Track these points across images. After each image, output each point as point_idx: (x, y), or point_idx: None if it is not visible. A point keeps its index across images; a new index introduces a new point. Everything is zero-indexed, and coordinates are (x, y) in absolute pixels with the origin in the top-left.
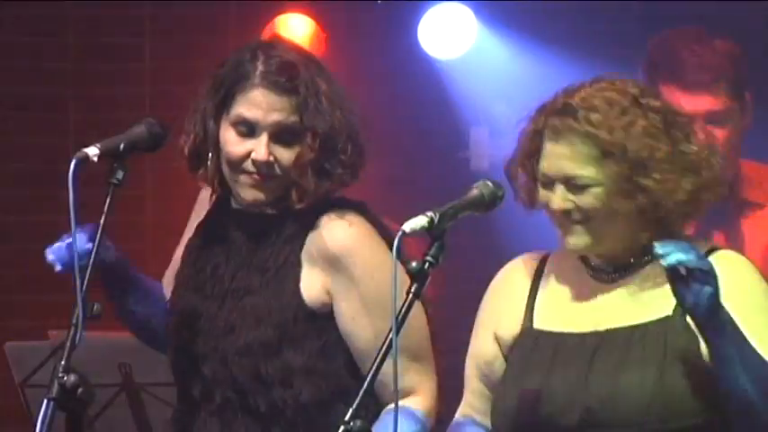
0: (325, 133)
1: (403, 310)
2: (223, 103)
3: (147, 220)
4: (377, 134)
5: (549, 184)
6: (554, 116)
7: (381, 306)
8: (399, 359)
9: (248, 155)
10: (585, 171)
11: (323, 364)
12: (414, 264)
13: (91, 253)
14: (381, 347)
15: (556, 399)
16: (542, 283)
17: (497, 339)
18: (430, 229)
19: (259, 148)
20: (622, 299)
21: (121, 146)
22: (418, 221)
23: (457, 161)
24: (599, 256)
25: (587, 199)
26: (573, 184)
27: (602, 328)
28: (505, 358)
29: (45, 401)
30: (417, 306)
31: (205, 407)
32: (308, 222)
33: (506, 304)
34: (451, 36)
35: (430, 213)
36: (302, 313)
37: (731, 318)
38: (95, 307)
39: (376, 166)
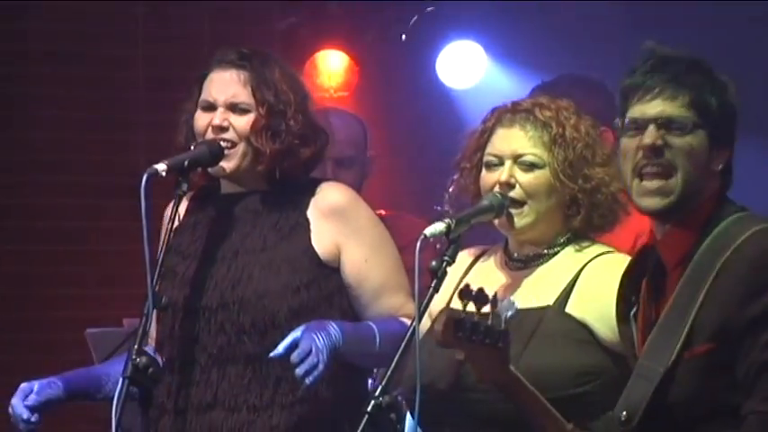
0: (273, 103)
1: (424, 304)
2: (197, 101)
3: None
4: (402, 153)
5: (496, 165)
6: (506, 113)
7: (385, 248)
8: (395, 291)
9: (209, 125)
10: (536, 150)
11: (324, 309)
12: (434, 263)
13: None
14: (407, 335)
15: (435, 367)
16: (473, 271)
17: (430, 315)
18: (447, 233)
19: (216, 116)
20: (521, 286)
21: (186, 162)
22: (437, 227)
23: None
24: (530, 243)
25: (530, 177)
26: (521, 162)
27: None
28: None
29: (121, 379)
30: (394, 247)
31: (200, 358)
32: (306, 191)
33: (444, 287)
34: (465, 69)
35: (447, 220)
36: (315, 261)
37: None
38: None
39: (400, 179)
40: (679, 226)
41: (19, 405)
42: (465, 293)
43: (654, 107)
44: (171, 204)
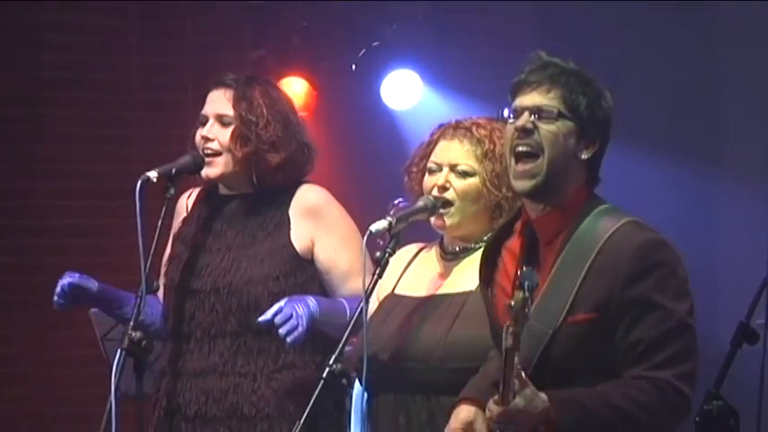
0: (244, 114)
1: (369, 287)
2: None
3: None
4: (351, 163)
5: (436, 171)
6: (450, 129)
7: (353, 241)
8: (358, 277)
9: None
10: (470, 161)
11: (298, 294)
12: (378, 254)
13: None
14: (356, 311)
15: (379, 341)
16: (417, 259)
17: (378, 298)
18: (389, 229)
19: (205, 128)
20: (451, 275)
21: (173, 170)
22: (381, 224)
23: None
24: (460, 239)
25: (462, 183)
26: (456, 171)
27: (427, 294)
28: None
29: (119, 350)
30: (360, 240)
31: (196, 332)
32: (289, 193)
33: (389, 276)
34: (404, 93)
35: (389, 218)
36: (293, 254)
37: None
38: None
39: (350, 185)
40: (555, 210)
41: (65, 279)
42: (518, 285)
43: (530, 98)
44: (178, 201)
